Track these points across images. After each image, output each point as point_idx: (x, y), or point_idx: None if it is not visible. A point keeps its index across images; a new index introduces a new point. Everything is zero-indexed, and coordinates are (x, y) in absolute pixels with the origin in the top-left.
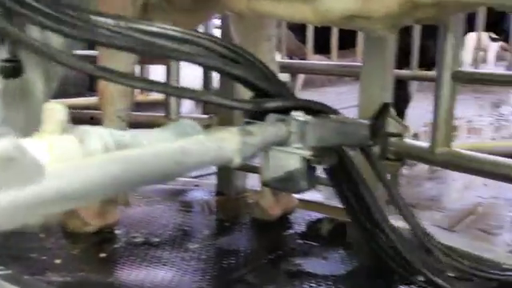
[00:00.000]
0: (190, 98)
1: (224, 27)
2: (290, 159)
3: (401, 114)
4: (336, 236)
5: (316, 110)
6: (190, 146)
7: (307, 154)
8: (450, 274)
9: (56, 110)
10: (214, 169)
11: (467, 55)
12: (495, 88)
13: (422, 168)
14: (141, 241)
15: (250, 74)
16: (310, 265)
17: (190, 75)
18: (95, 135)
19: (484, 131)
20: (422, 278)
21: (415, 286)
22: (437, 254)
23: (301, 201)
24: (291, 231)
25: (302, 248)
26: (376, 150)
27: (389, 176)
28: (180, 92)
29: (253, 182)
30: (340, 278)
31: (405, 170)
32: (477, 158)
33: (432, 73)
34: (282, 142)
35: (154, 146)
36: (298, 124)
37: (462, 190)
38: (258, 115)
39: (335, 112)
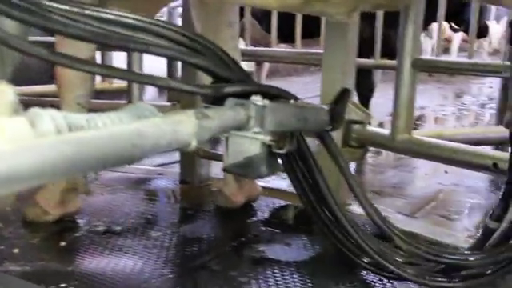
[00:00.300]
0: (148, 84)
1: (185, 14)
2: (250, 145)
3: (365, 103)
4: (299, 223)
5: (275, 95)
6: (146, 128)
7: (267, 139)
8: (403, 260)
9: (5, 92)
10: (177, 157)
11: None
12: (457, 78)
13: (387, 156)
14: (103, 229)
15: (209, 62)
16: (273, 251)
17: (156, 62)
18: (47, 117)
19: (447, 120)
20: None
21: (377, 270)
22: (394, 240)
23: (265, 188)
24: (255, 218)
25: (266, 235)
26: (338, 137)
27: (354, 163)
28: (138, 77)
29: (217, 170)
30: (303, 264)
31: (370, 159)
32: (436, 145)
33: (394, 62)
34: (241, 127)
35: (110, 128)
36: (257, 108)
37: (424, 178)
38: (218, 101)
39: (295, 98)
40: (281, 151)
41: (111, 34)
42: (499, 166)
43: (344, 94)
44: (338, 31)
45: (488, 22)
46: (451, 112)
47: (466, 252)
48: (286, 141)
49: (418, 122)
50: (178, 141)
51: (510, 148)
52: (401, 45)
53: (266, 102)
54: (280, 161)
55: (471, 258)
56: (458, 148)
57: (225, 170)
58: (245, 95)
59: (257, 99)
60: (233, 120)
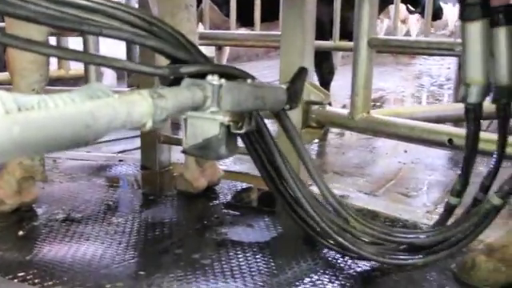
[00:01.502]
0: (103, 65)
1: None
2: (209, 126)
3: (326, 85)
4: (262, 205)
5: (233, 75)
6: (99, 108)
7: (226, 119)
8: (362, 239)
9: None
10: (138, 144)
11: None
12: (417, 60)
13: (349, 137)
14: (62, 217)
15: (165, 45)
16: (236, 233)
17: (114, 48)
18: None
19: (407, 101)
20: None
21: (339, 249)
22: (350, 221)
23: (227, 171)
24: (217, 202)
25: (228, 217)
26: (298, 118)
27: (317, 145)
28: (92, 59)
29: (178, 155)
30: (265, 245)
31: (332, 140)
32: (394, 123)
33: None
34: (198, 107)
35: (61, 109)
36: (213, 88)
37: (384, 157)
38: (175, 83)
39: (252, 78)
40: (239, 131)
41: (63, 16)
42: (454, 141)
43: (301, 73)
44: (295, 12)
45: (444, 5)
46: (411, 93)
47: (416, 230)
48: (245, 121)
49: (378, 104)
50: (132, 121)
51: (465, 124)
52: (357, 25)
53: (223, 81)
54: (242, 142)
55: (422, 236)
56: (414, 125)
57: (184, 152)
58: (202, 75)
59: (213, 79)
60: (189, 100)
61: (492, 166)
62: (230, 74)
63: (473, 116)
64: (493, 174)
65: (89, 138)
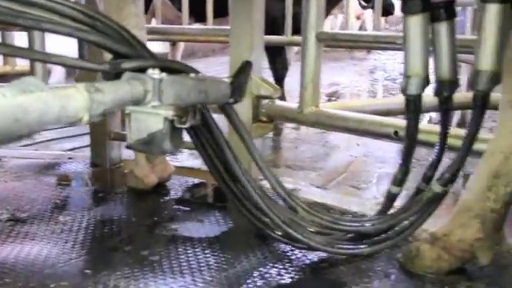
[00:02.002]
0: (41, 61)
1: None
2: (153, 120)
3: (280, 80)
4: (213, 200)
5: (175, 69)
6: (30, 103)
7: (170, 114)
8: (311, 230)
9: None
10: (88, 141)
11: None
12: (371, 55)
13: (303, 131)
14: (6, 217)
15: (107, 39)
16: (186, 229)
17: (65, 45)
18: None
19: (361, 95)
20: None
21: (288, 241)
22: (299, 211)
23: (179, 167)
24: (167, 198)
25: (179, 213)
26: (248, 113)
27: (271, 139)
28: (29, 54)
29: (129, 151)
30: (215, 240)
31: (290, 134)
32: (341, 116)
33: None
34: (139, 101)
35: None
36: (154, 82)
37: (336, 151)
38: (118, 77)
39: (196, 71)
40: (184, 126)
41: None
42: (400, 133)
43: (245, 67)
44: (244, 7)
45: (396, 1)
46: (365, 87)
47: (363, 219)
48: (189, 115)
49: (333, 98)
50: (67, 115)
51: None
52: (305, 19)
53: (164, 75)
54: (190, 137)
55: (367, 224)
56: (361, 118)
57: (128, 147)
58: (144, 70)
59: (154, 73)
60: (128, 94)
61: (434, 157)
62: (173, 69)
63: (413, 107)
64: (435, 165)
65: (21, 132)
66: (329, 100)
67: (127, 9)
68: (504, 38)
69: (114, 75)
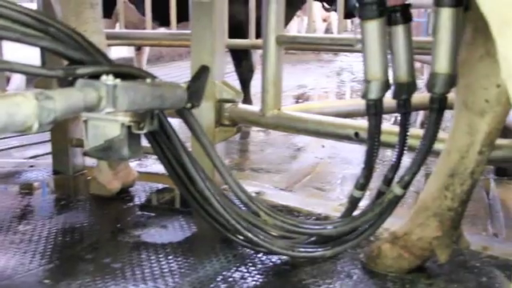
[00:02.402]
0: None
1: None
2: (110, 127)
3: (246, 84)
4: (177, 205)
5: (131, 74)
6: None
7: (126, 120)
8: (273, 234)
9: None
10: (50, 148)
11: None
12: (338, 57)
13: (274, 133)
14: None
15: (59, 45)
16: (149, 235)
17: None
18: None
19: (327, 97)
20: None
21: (250, 245)
22: (261, 215)
23: (141, 173)
24: (131, 204)
25: (142, 219)
26: (211, 116)
27: (237, 143)
28: None
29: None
30: (179, 245)
31: (259, 137)
32: (303, 119)
33: None
34: (93, 108)
35: None
36: (108, 88)
37: (301, 153)
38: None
39: (152, 77)
40: (141, 132)
41: None
42: (360, 135)
43: (202, 72)
44: (204, 11)
45: None
46: (332, 89)
47: (325, 222)
48: (147, 121)
49: (300, 100)
50: (15, 123)
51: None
52: (265, 22)
53: (118, 81)
54: (149, 142)
55: (329, 227)
56: (322, 120)
57: (85, 154)
58: (99, 76)
59: (107, 79)
60: (81, 101)
61: (394, 160)
62: (129, 74)
63: (373, 111)
64: (395, 167)
65: None
66: (297, 102)
67: (85, 14)
68: (459, 41)
69: (70, 82)
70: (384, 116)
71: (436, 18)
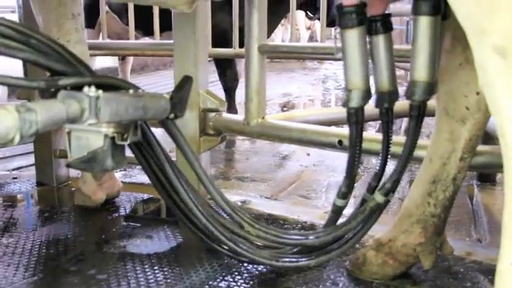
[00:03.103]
0: None
1: (25, 8)
2: (93, 138)
3: (231, 92)
4: (163, 215)
5: (113, 85)
6: None
7: (110, 131)
8: (257, 244)
9: None
10: (33, 160)
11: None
12: (322, 65)
13: (260, 142)
14: None
15: (40, 57)
16: (135, 245)
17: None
18: None
19: (313, 105)
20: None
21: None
22: (244, 226)
23: (126, 183)
24: (116, 214)
25: (127, 230)
26: (195, 126)
27: (221, 152)
28: None
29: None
30: (164, 255)
31: (244, 146)
32: (287, 127)
33: None
34: (75, 119)
35: None
36: (90, 99)
37: (287, 161)
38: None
39: (135, 87)
40: (124, 143)
41: None
42: (344, 143)
43: (185, 82)
44: (186, 21)
45: None
46: (317, 97)
47: (308, 232)
48: (130, 132)
49: (285, 109)
50: None
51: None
52: (248, 32)
53: (100, 92)
54: (132, 153)
55: (311, 237)
56: (306, 129)
57: (69, 165)
58: (81, 87)
59: (90, 90)
60: (63, 113)
61: (378, 168)
62: (111, 85)
63: (354, 119)
64: (379, 175)
65: None
66: (282, 110)
67: (67, 24)
68: (438, 49)
69: (53, 93)
70: (369, 123)
71: (414, 26)
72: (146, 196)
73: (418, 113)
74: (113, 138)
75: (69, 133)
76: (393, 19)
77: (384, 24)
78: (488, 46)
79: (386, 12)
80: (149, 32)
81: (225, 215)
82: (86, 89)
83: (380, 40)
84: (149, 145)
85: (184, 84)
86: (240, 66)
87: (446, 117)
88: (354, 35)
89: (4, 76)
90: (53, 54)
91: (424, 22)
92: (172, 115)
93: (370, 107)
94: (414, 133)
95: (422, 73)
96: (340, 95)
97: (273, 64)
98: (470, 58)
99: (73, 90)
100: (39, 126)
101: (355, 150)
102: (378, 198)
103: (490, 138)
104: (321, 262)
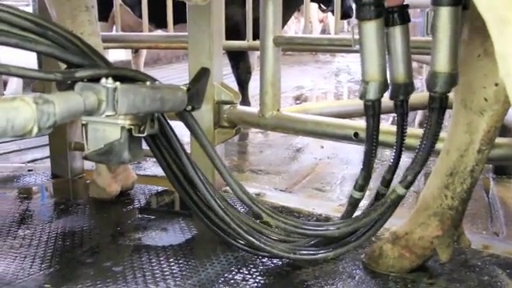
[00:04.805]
0: None
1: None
2: (110, 130)
3: (244, 85)
4: (177, 207)
5: (130, 77)
6: None
7: (127, 123)
8: (274, 237)
9: None
10: (48, 152)
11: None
12: (335, 58)
13: (273, 135)
14: None
15: (57, 49)
16: (150, 238)
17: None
18: None
19: (326, 98)
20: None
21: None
22: (263, 217)
23: (141, 175)
24: (131, 207)
25: (142, 222)
26: (210, 118)
27: (236, 145)
28: None
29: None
30: (179, 248)
31: (258, 138)
32: (301, 119)
33: None
34: (93, 111)
35: None
36: (107, 91)
37: (301, 154)
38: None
39: (152, 79)
40: (142, 135)
41: None
42: (360, 135)
43: (202, 74)
44: (201, 13)
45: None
46: (329, 90)
47: (327, 223)
48: (147, 124)
49: (298, 101)
50: (14, 128)
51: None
52: (263, 24)
53: (117, 84)
54: (148, 145)
55: (332, 228)
56: (321, 121)
57: (85, 158)
58: (98, 79)
59: (107, 82)
60: (81, 104)
61: (392, 161)
62: (128, 77)
63: (372, 112)
64: (393, 168)
65: None
66: (295, 103)
67: (81, 17)
68: (458, 40)
69: (70, 85)
70: (382, 116)
71: (434, 18)
72: (160, 188)
73: (440, 105)
74: (130, 130)
75: (85, 125)
76: None
77: (401, 15)
78: (510, 35)
79: (404, 3)
80: (161, 24)
81: (243, 206)
82: (103, 80)
83: (397, 31)
84: (165, 137)
85: (201, 76)
86: (253, 58)
87: (463, 108)
88: (372, 27)
89: (22, 68)
90: (70, 47)
91: (445, 12)
92: (189, 107)
93: (386, 99)
94: (435, 125)
95: (443, 64)
96: (353, 88)
97: (285, 57)
98: (488, 49)
99: (90, 81)
100: (57, 118)
101: (372, 142)
102: (400, 190)
103: (507, 130)
104: (339, 253)
